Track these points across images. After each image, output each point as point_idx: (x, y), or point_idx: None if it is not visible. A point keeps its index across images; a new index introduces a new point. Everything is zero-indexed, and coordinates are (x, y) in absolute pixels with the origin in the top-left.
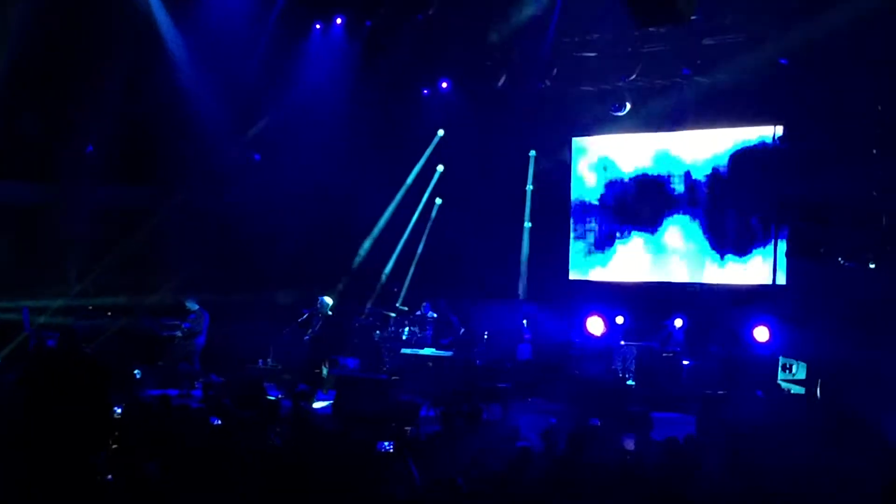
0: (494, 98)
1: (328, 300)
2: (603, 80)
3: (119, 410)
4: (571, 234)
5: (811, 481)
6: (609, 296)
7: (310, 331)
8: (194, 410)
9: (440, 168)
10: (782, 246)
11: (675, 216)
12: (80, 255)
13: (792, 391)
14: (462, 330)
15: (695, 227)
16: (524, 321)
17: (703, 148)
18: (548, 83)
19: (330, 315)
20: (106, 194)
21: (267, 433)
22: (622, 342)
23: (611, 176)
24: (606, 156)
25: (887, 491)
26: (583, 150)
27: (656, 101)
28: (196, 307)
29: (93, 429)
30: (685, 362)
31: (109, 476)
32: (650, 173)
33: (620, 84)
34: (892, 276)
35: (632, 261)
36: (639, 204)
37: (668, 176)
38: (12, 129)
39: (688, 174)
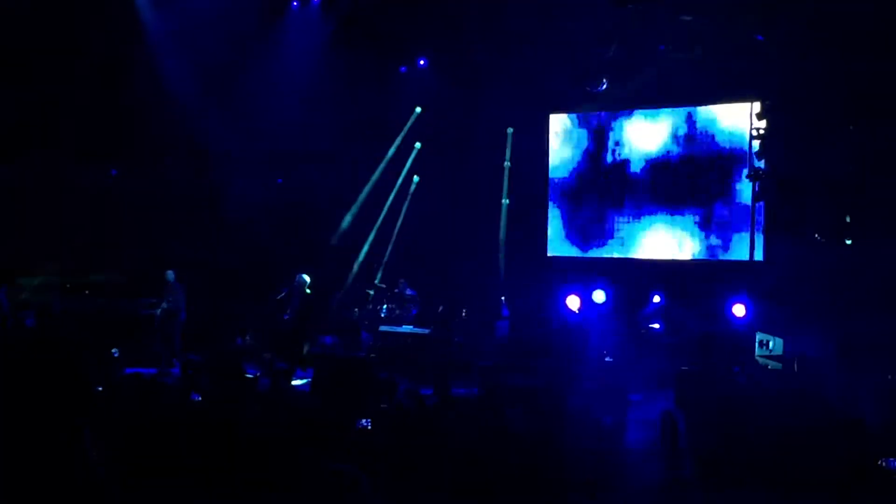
0: (472, 75)
1: (306, 278)
2: (580, 57)
3: (100, 389)
4: (549, 211)
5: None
6: (588, 272)
7: (288, 309)
8: (173, 388)
9: (418, 145)
10: (760, 222)
11: (651, 193)
12: (57, 235)
13: (769, 367)
14: (441, 308)
15: (672, 203)
16: (502, 298)
17: (680, 124)
18: (525, 60)
19: (308, 293)
20: (81, 173)
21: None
22: (600, 318)
23: (588, 153)
24: (584, 132)
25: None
26: (560, 127)
27: (633, 77)
28: (173, 279)
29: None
30: (664, 339)
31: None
32: (628, 150)
33: (597, 61)
34: (868, 252)
35: (611, 237)
36: (616, 180)
37: (645, 152)
38: None
39: (665, 150)
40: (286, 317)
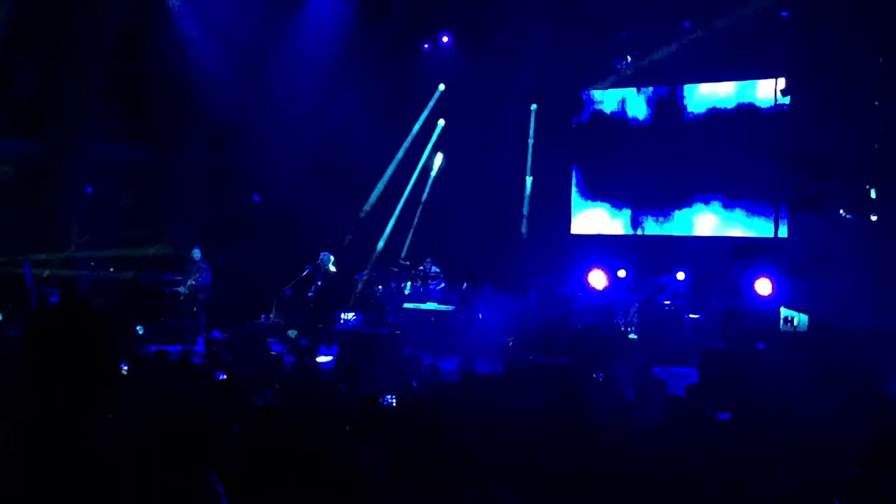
0: (495, 52)
1: (330, 256)
2: (604, 34)
3: (125, 367)
4: (573, 189)
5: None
6: (611, 249)
7: (313, 287)
8: (198, 366)
9: (441, 122)
10: (785, 198)
11: (677, 170)
12: (82, 212)
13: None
14: (465, 285)
15: (696, 180)
16: (526, 275)
17: (704, 101)
18: (548, 36)
19: (332, 271)
20: (106, 151)
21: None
22: (624, 295)
23: (613, 130)
24: (608, 109)
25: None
26: (585, 104)
27: (658, 54)
28: (199, 257)
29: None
30: (688, 315)
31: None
32: (652, 126)
33: (622, 38)
34: (894, 229)
35: (635, 214)
36: (641, 157)
37: (670, 129)
38: (9, 87)
39: (689, 127)
40: (310, 294)
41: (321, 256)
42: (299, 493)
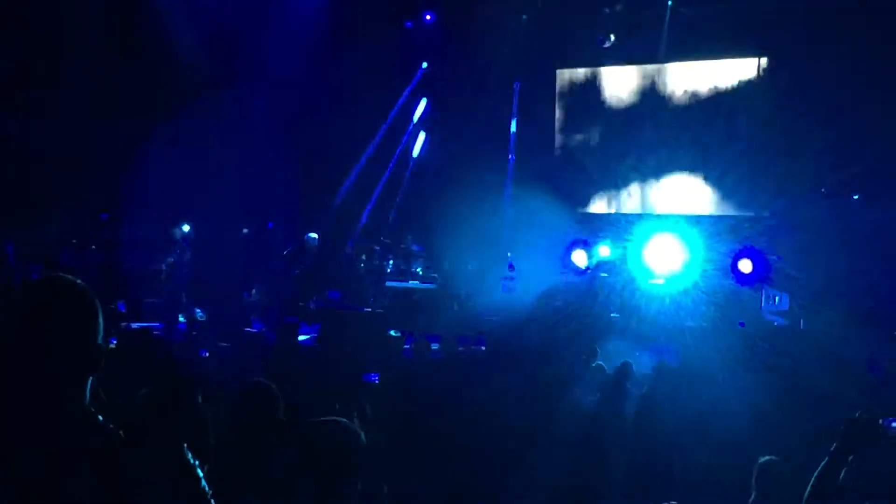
0: (479, 30)
1: (315, 236)
2: (587, 12)
3: (114, 342)
4: (555, 166)
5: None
6: (594, 227)
7: (300, 266)
8: (180, 343)
9: (424, 101)
10: (768, 177)
11: (660, 149)
12: (63, 190)
13: (776, 323)
14: (447, 263)
15: (679, 159)
16: (508, 254)
17: (687, 79)
18: (532, 15)
19: (318, 250)
20: (84, 129)
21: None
22: (604, 274)
23: (597, 107)
24: (591, 88)
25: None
26: (568, 83)
27: (641, 33)
28: (180, 236)
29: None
30: (669, 295)
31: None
32: (635, 106)
33: (604, 15)
34: (876, 208)
35: (617, 192)
36: (625, 136)
37: (653, 108)
38: None
39: (672, 106)
40: (295, 273)
41: (307, 238)
42: (281, 472)
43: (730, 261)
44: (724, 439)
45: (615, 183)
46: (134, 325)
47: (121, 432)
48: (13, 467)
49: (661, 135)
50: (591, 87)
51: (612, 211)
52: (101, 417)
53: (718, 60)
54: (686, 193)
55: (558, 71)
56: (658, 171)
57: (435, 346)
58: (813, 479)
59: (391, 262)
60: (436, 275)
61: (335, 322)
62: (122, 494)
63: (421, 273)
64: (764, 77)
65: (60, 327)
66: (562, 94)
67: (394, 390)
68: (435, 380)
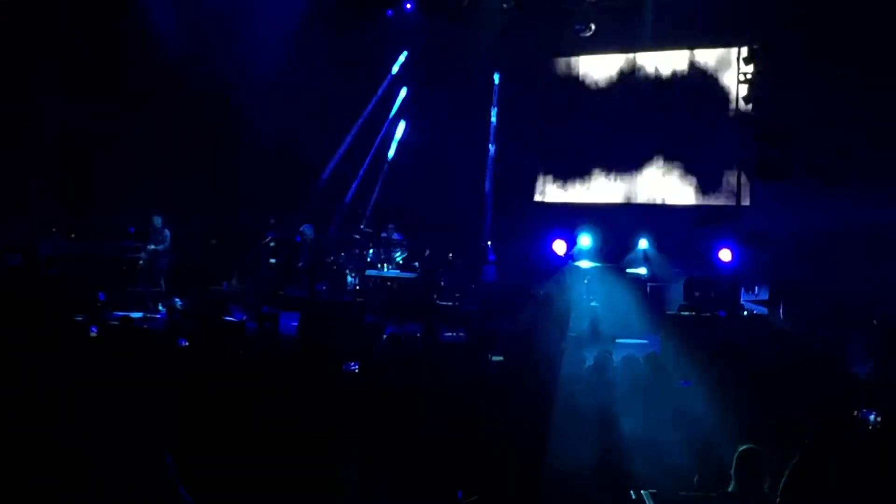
0: (459, 18)
1: (311, 227)
2: (568, 1)
3: (94, 331)
4: (537, 156)
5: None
6: (575, 218)
7: (301, 263)
8: (160, 332)
9: (404, 90)
10: (745, 166)
11: (642, 137)
12: (44, 177)
13: (755, 312)
14: (427, 252)
15: (661, 147)
16: (489, 243)
17: (667, 68)
18: (512, 3)
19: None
20: (67, 117)
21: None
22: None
23: (577, 97)
24: (573, 76)
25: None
26: (549, 71)
27: (622, 20)
28: (160, 224)
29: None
30: (649, 284)
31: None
32: (617, 93)
33: (586, 4)
34: (856, 199)
35: (598, 182)
36: (602, 124)
37: (635, 96)
38: None
39: (655, 95)
40: (300, 265)
41: (302, 229)
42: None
43: (710, 250)
44: (699, 430)
45: (596, 171)
46: (115, 314)
47: None
48: None
49: (640, 122)
50: (571, 75)
51: (594, 200)
52: None
53: (698, 49)
54: (667, 181)
55: (538, 60)
56: (638, 159)
57: (415, 335)
58: (789, 468)
59: (371, 250)
60: (416, 263)
61: (316, 311)
62: None
63: (401, 262)
64: (744, 65)
65: (33, 319)
66: (542, 83)
67: (374, 380)
68: (414, 368)
